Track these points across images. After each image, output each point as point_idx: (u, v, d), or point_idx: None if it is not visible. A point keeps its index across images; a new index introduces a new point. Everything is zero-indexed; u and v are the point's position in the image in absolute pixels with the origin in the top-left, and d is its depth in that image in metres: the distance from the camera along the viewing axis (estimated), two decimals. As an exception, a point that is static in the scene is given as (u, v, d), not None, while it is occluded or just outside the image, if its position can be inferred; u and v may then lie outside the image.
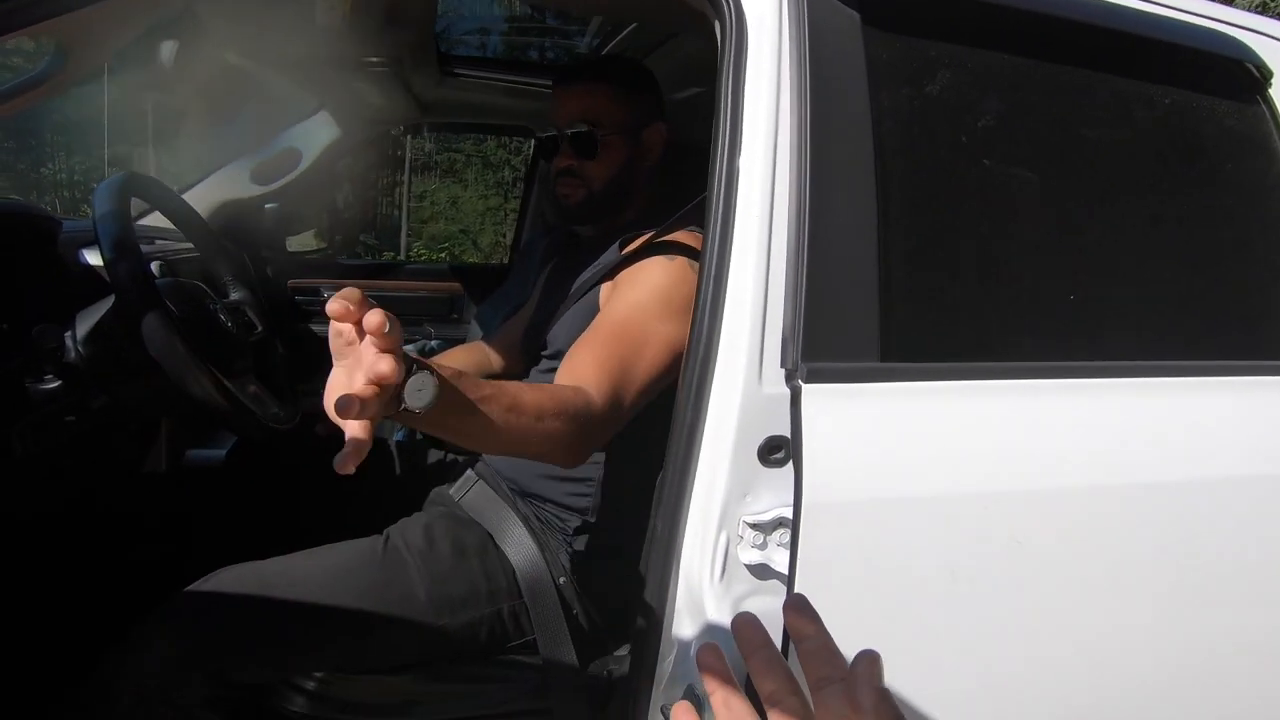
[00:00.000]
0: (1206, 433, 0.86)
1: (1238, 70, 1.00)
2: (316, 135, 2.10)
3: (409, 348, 2.24)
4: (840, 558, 0.74)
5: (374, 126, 2.21)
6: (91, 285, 0.96)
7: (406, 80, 1.77)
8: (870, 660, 0.33)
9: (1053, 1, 0.88)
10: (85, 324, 0.90)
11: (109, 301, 0.90)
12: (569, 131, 1.10)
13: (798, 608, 0.35)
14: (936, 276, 0.85)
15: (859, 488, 0.74)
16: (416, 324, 2.35)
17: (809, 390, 0.75)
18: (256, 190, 2.09)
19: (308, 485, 1.07)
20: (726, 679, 0.33)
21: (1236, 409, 0.88)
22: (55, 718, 0.78)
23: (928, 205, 0.85)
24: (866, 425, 0.76)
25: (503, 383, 0.74)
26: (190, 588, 0.83)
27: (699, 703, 0.82)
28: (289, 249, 2.15)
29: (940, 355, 0.81)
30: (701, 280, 0.79)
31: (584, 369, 0.87)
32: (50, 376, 0.88)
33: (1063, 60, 0.90)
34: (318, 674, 0.88)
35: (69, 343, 0.88)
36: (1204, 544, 0.85)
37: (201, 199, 2.04)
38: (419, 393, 0.61)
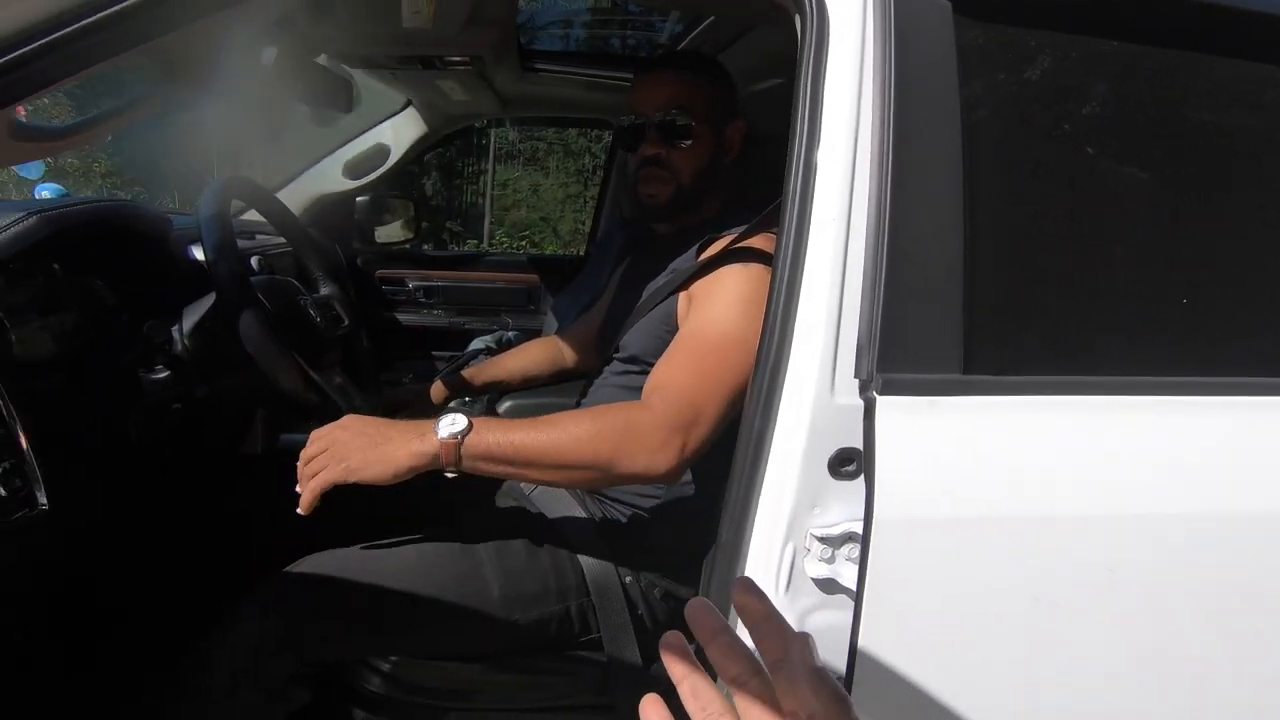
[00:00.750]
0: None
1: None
2: (404, 131, 2.18)
3: (486, 338, 2.29)
4: (912, 576, 0.71)
5: (458, 121, 2.26)
6: (199, 279, 1.03)
7: (489, 77, 1.80)
8: (804, 641, 0.32)
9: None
10: (191, 319, 0.97)
11: (212, 298, 0.96)
12: (659, 119, 1.08)
13: (747, 587, 0.34)
14: (1028, 284, 0.79)
15: (935, 505, 0.71)
16: (494, 314, 2.41)
17: (884, 402, 0.72)
18: (349, 185, 2.19)
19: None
20: (692, 666, 0.33)
21: None
22: (156, 689, 0.85)
23: (1021, 206, 0.80)
24: (945, 441, 0.72)
25: (555, 433, 0.85)
26: (284, 570, 0.88)
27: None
28: (378, 240, 2.24)
29: (1030, 369, 0.76)
30: (774, 283, 0.77)
31: (668, 387, 0.89)
32: (160, 367, 0.95)
33: (1177, 44, 0.82)
34: (393, 657, 0.92)
35: (176, 336, 0.95)
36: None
37: (298, 193, 2.15)
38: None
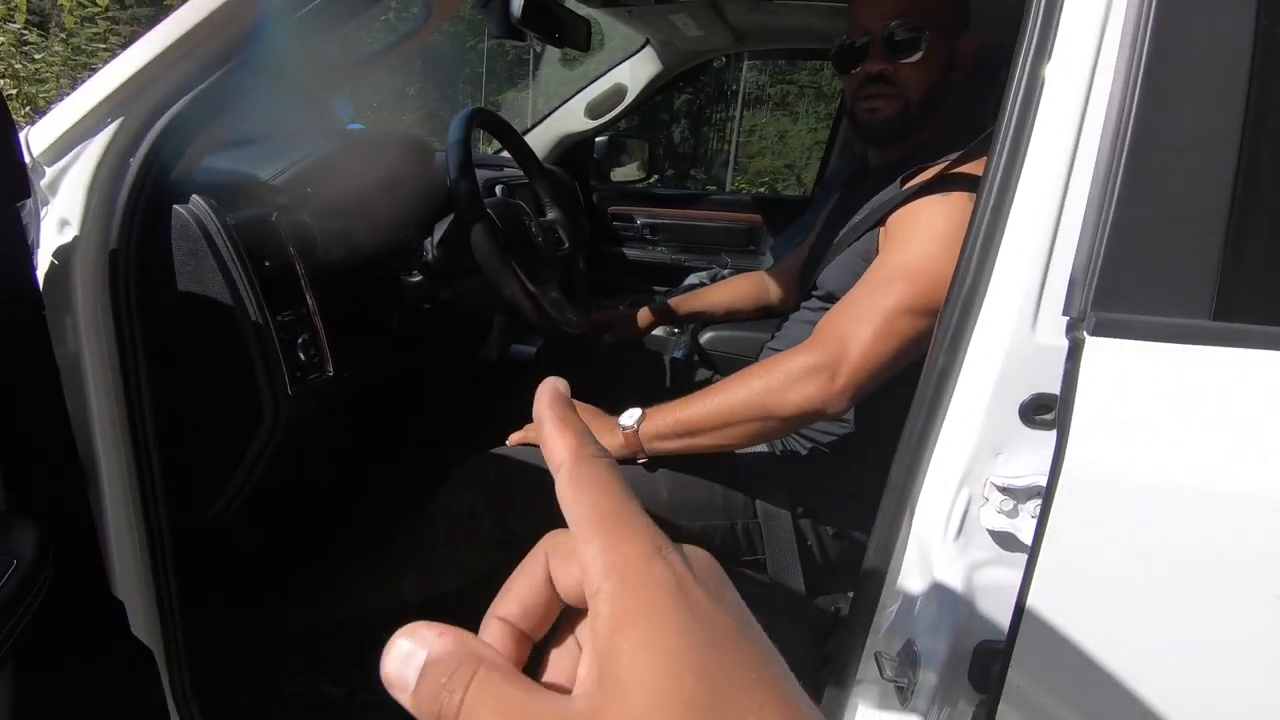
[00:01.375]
0: None
1: None
2: (640, 71, 2.26)
3: (702, 274, 2.35)
4: (1099, 542, 0.63)
5: (692, 59, 2.29)
6: (428, 206, 1.20)
7: (721, 9, 1.79)
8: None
9: None
10: (439, 231, 1.14)
11: (450, 217, 1.12)
12: (888, 31, 1.01)
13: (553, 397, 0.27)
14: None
15: (1137, 467, 0.61)
16: (715, 253, 2.45)
17: (1094, 344, 0.63)
18: (590, 124, 2.34)
19: (594, 381, 1.22)
20: (563, 411, 0.27)
21: None
22: (392, 536, 1.05)
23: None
24: (1165, 396, 0.61)
25: (715, 398, 0.90)
26: (493, 451, 1.03)
27: (915, 659, 0.78)
28: (613, 179, 2.38)
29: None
30: (979, 204, 0.70)
31: (827, 321, 0.91)
32: (415, 273, 1.14)
33: None
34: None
35: (428, 246, 1.13)
36: None
37: (546, 132, 2.36)
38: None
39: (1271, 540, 0.59)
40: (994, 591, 0.72)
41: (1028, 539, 0.68)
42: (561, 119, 2.34)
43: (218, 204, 0.88)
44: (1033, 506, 0.68)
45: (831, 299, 1.07)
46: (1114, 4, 0.65)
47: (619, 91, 2.29)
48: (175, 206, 0.86)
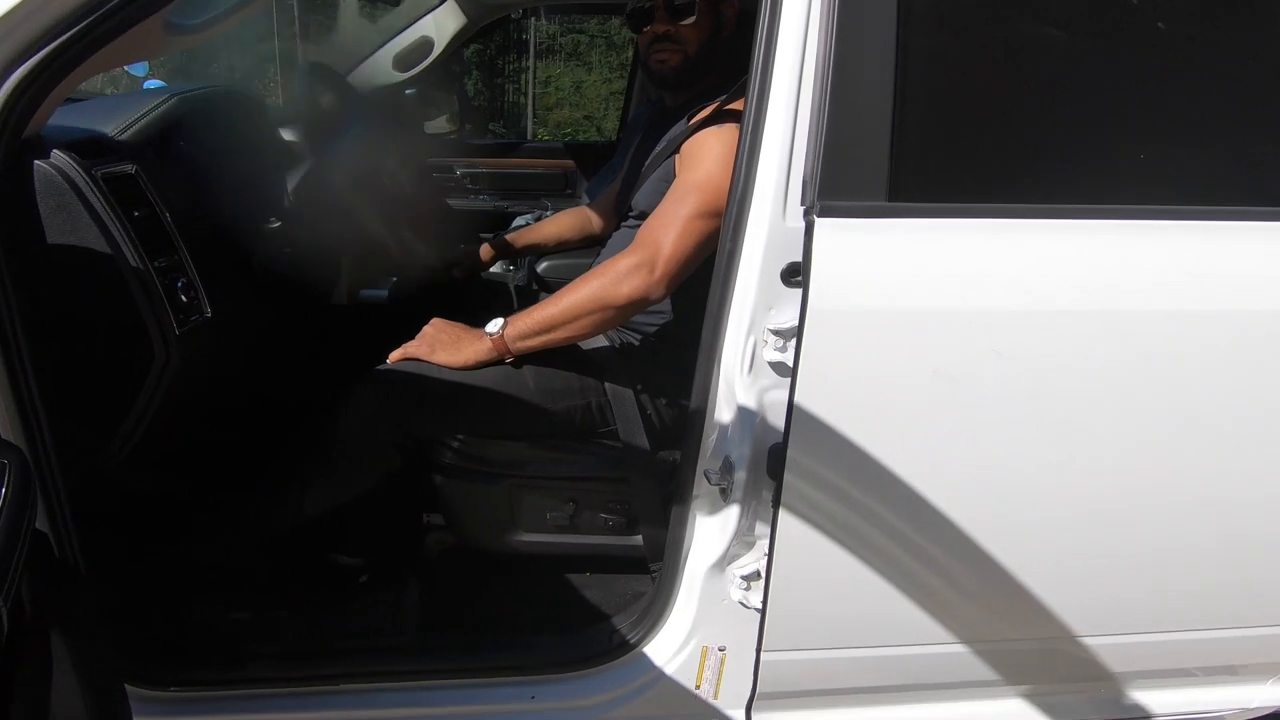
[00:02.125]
0: (1187, 272, 0.97)
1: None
2: (445, 24, 2.34)
3: (527, 217, 2.53)
4: (836, 356, 0.95)
5: (495, 12, 2.41)
6: (288, 154, 1.29)
7: (521, -34, 1.94)
8: None
9: None
10: (292, 180, 1.23)
11: (309, 164, 1.22)
12: None
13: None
14: (945, 131, 0.98)
15: (852, 300, 0.94)
16: (534, 198, 2.64)
17: (821, 224, 0.94)
18: (398, 76, 2.38)
19: (449, 313, 1.39)
20: None
21: (1224, 251, 0.98)
22: (298, 445, 1.17)
23: (939, 68, 0.97)
24: (865, 252, 0.94)
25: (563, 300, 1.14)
26: (382, 368, 1.18)
27: (731, 466, 1.08)
28: (426, 131, 2.45)
29: (939, 198, 0.97)
30: (741, 133, 0.98)
31: (643, 230, 1.17)
32: (274, 219, 1.23)
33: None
34: (460, 436, 1.22)
35: (285, 193, 1.22)
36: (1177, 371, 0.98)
37: (355, 84, 2.36)
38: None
39: (930, 336, 0.95)
40: (777, 407, 1.03)
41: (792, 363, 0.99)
42: (369, 71, 2.36)
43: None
44: (794, 342, 0.99)
45: (643, 216, 1.32)
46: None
47: (426, 44, 2.35)
48: (37, 162, 0.90)
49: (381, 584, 1.29)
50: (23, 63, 0.87)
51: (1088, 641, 1.14)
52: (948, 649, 1.12)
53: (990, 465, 1.02)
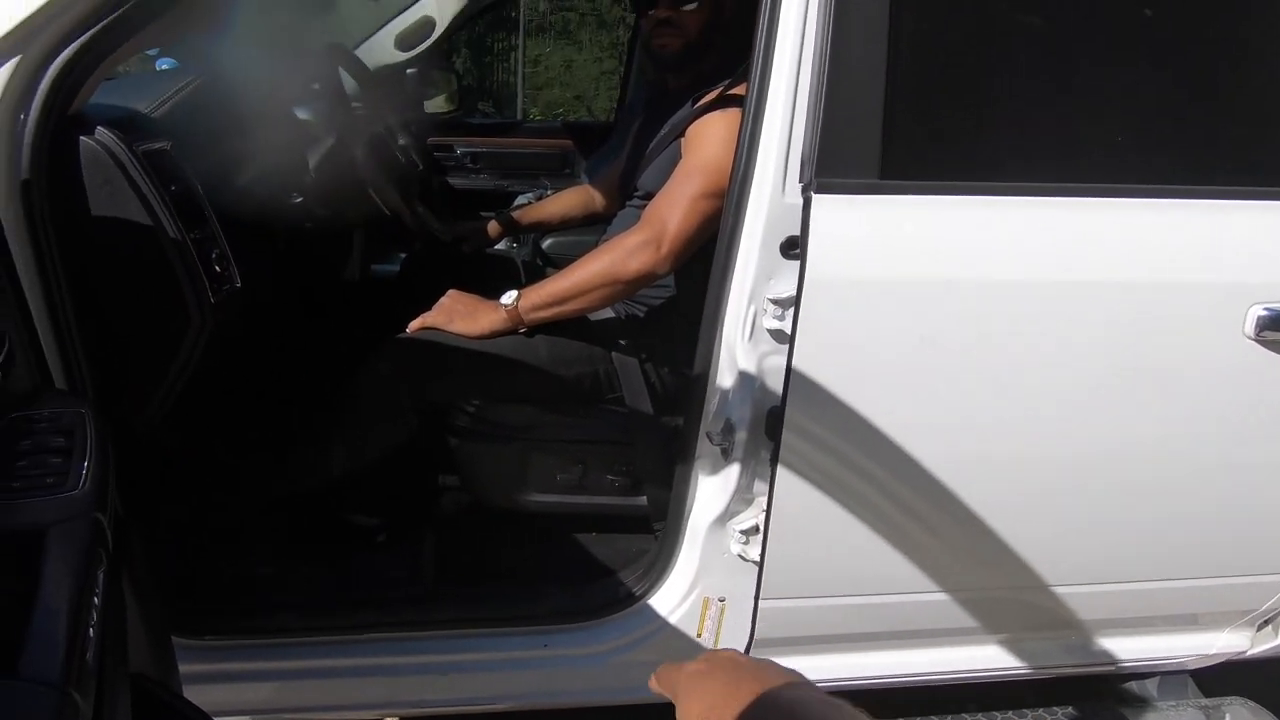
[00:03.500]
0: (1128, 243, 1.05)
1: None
2: (446, 3, 2.38)
3: (529, 195, 2.59)
4: (832, 323, 1.03)
5: (496, -8, 2.44)
6: (307, 132, 1.34)
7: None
8: None
9: None
10: (313, 158, 1.28)
11: (329, 141, 1.27)
12: None
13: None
14: (931, 118, 1.06)
15: (846, 270, 1.01)
16: (534, 177, 2.69)
17: (818, 200, 1.01)
18: (401, 56, 2.42)
19: (460, 286, 1.45)
20: None
21: (1162, 223, 1.06)
22: (323, 412, 1.24)
23: (930, 58, 1.04)
24: (856, 227, 1.01)
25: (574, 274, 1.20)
26: (400, 335, 1.25)
27: (732, 428, 1.16)
28: (426, 110, 2.49)
29: (929, 177, 1.04)
30: (744, 116, 1.05)
31: (650, 209, 1.24)
32: (295, 195, 1.28)
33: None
34: (475, 400, 1.29)
35: (308, 169, 1.27)
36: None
37: (360, 65, 2.40)
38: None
39: (918, 303, 1.02)
40: (776, 372, 1.10)
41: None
42: (371, 51, 2.39)
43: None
44: (791, 310, 1.07)
45: (650, 196, 1.39)
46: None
47: (427, 23, 2.38)
48: (83, 138, 0.96)
49: (399, 541, 1.36)
50: (69, 44, 0.92)
51: (1058, 591, 1.24)
52: (931, 597, 1.21)
53: (970, 425, 1.10)
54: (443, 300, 1.28)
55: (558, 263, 1.89)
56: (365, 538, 1.36)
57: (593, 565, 1.34)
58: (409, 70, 2.43)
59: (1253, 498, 1.20)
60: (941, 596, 1.22)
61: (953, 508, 1.12)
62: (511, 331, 1.25)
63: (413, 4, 2.37)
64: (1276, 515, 1.22)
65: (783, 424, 1.07)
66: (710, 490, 1.19)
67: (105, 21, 0.91)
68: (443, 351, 1.23)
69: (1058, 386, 1.09)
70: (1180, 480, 1.17)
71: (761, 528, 1.14)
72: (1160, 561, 1.26)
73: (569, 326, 1.30)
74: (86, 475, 0.60)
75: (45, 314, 0.94)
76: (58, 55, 0.92)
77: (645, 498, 1.36)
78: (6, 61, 0.90)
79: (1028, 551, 1.18)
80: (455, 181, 2.64)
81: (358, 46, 2.39)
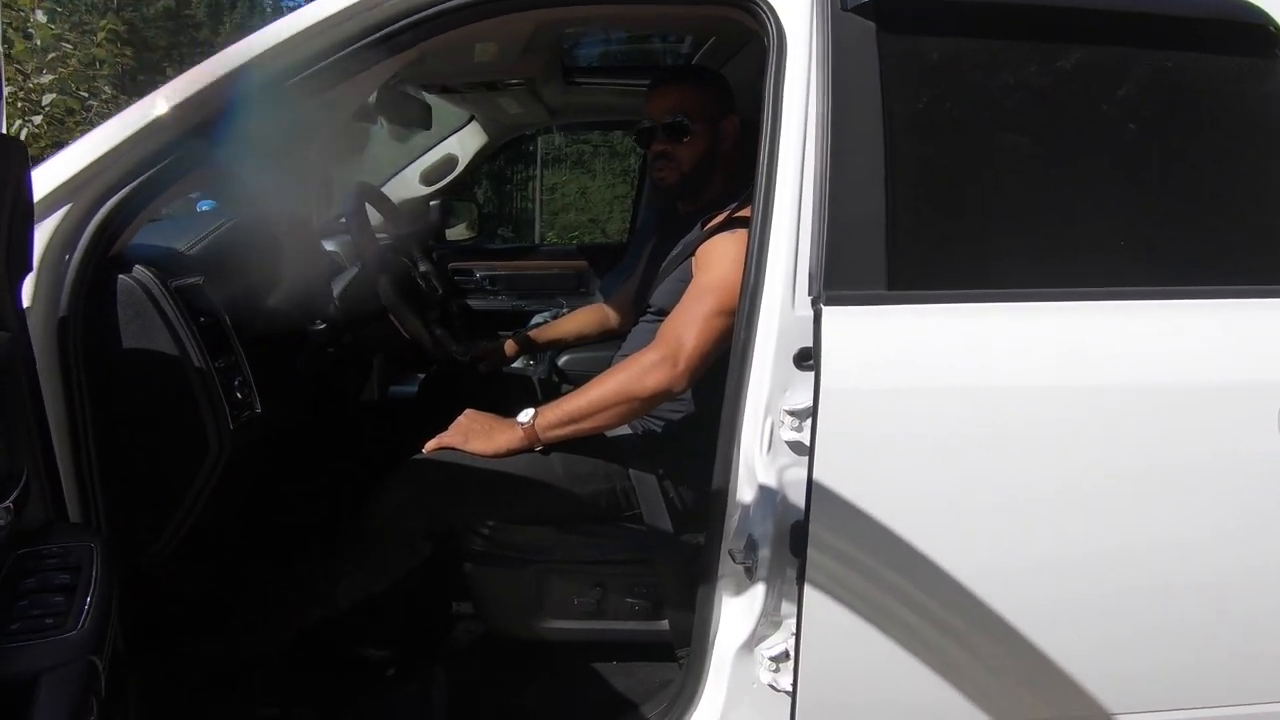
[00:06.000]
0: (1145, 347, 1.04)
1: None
2: (469, 142, 2.56)
3: (545, 314, 2.66)
4: (850, 433, 1.01)
5: (514, 131, 2.63)
6: (332, 263, 1.41)
7: (539, 92, 2.15)
8: None
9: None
10: (338, 286, 1.34)
11: (353, 271, 1.33)
12: (664, 123, 1.40)
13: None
14: (933, 230, 1.09)
15: (859, 381, 1.01)
16: (550, 297, 2.77)
17: (828, 311, 1.02)
18: (424, 190, 2.58)
19: (476, 405, 1.46)
20: None
21: (1180, 327, 1.06)
22: (331, 542, 1.22)
23: (927, 171, 1.09)
24: (868, 337, 1.02)
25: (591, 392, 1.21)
26: (415, 457, 1.24)
27: (754, 545, 1.12)
28: (448, 237, 2.63)
29: (935, 286, 1.06)
30: (751, 234, 1.08)
31: (664, 327, 1.26)
32: (320, 322, 1.33)
33: (1050, 41, 1.10)
34: (490, 523, 1.26)
35: (331, 297, 1.32)
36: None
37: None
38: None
39: (934, 411, 1.01)
40: (797, 485, 1.07)
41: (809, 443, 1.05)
42: (397, 186, 2.56)
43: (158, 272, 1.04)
44: (809, 421, 1.06)
45: (663, 313, 1.42)
46: (811, 100, 1.07)
47: (450, 160, 2.56)
48: (120, 276, 1.01)
49: (409, 676, 1.29)
50: (113, 195, 1.00)
51: (1121, 719, 1.13)
52: (981, 729, 1.11)
53: (997, 535, 1.05)
54: (459, 420, 1.28)
55: (574, 380, 1.91)
56: (374, 671, 1.30)
57: (614, 700, 1.26)
58: (432, 202, 2.59)
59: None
60: (993, 728, 1.12)
61: (988, 622, 1.05)
62: (528, 450, 1.24)
63: (438, 143, 2.56)
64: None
65: (808, 539, 1.03)
66: (735, 612, 1.13)
67: (142, 179, 0.99)
68: (457, 472, 1.22)
69: (1085, 492, 1.05)
70: (1239, 599, 1.10)
71: (792, 653, 1.07)
72: (1229, 684, 1.16)
73: (585, 443, 1.29)
74: (87, 615, 0.58)
75: (68, 449, 0.96)
76: (103, 205, 0.99)
77: (667, 621, 1.30)
78: (59, 210, 0.97)
79: (1083, 673, 1.09)
80: (474, 303, 2.73)
81: (385, 183, 2.57)
